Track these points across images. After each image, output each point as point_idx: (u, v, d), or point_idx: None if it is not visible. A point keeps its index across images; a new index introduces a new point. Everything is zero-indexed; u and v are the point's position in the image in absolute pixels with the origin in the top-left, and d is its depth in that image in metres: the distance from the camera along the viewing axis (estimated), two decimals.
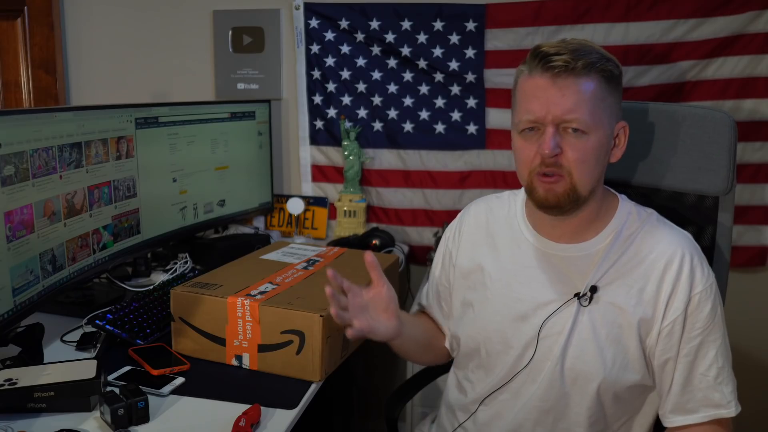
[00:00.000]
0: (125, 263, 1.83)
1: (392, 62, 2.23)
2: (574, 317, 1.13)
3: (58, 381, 1.15)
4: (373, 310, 1.18)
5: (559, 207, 1.10)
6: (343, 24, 2.22)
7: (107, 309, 1.53)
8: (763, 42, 1.99)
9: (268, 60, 2.32)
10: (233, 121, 2.12)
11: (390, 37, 2.20)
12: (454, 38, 2.16)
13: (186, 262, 1.92)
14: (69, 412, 1.15)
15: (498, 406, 1.22)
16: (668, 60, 2.05)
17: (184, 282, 1.49)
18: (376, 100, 2.26)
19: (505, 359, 1.20)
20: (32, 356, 1.31)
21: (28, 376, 1.16)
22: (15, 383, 1.14)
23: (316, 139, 2.35)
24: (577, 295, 1.14)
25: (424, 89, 2.23)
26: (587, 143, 1.08)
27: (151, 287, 1.73)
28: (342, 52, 2.25)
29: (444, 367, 1.44)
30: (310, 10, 2.24)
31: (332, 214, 2.34)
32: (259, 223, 2.38)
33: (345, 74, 2.27)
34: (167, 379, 1.27)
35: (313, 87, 2.31)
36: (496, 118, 2.19)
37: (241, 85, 2.36)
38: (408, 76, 2.23)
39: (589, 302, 1.13)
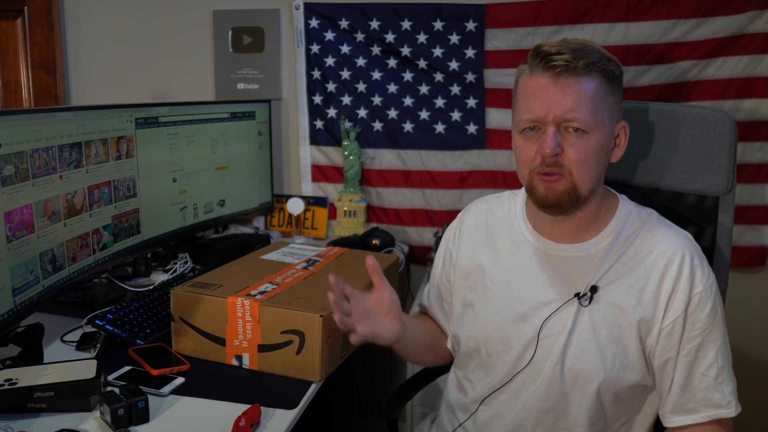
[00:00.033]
0: (125, 263, 1.83)
1: (392, 62, 2.23)
2: (574, 317, 1.13)
3: (58, 381, 1.15)
4: (375, 314, 1.18)
5: (560, 206, 1.10)
6: (343, 24, 2.22)
7: (107, 309, 1.53)
8: (763, 42, 1.99)
9: (268, 60, 2.32)
10: (233, 121, 2.12)
11: (390, 37, 2.20)
12: (454, 38, 2.16)
13: (186, 262, 1.92)
14: (69, 412, 1.15)
15: (498, 406, 1.22)
16: (668, 60, 2.05)
17: (184, 282, 1.49)
18: (376, 100, 2.26)
19: (505, 359, 1.20)
20: (32, 356, 1.31)
21: (28, 376, 1.16)
22: (15, 383, 1.14)
23: (316, 139, 2.35)
24: (577, 295, 1.14)
25: (424, 89, 2.23)
26: (588, 143, 1.08)
27: (151, 287, 1.73)
28: (342, 52, 2.25)
29: (444, 367, 1.44)
30: (310, 10, 2.24)
31: (332, 214, 2.34)
32: (259, 223, 2.38)
33: (345, 74, 2.27)
34: (167, 379, 1.27)
35: (313, 87, 2.31)
36: (496, 118, 2.19)
37: (241, 85, 2.36)
38: (408, 76, 2.23)
39: (589, 302, 1.13)
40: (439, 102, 2.23)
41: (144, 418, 1.13)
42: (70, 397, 1.15)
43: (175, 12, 2.37)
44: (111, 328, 1.43)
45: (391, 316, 1.19)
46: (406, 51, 2.20)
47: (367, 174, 2.32)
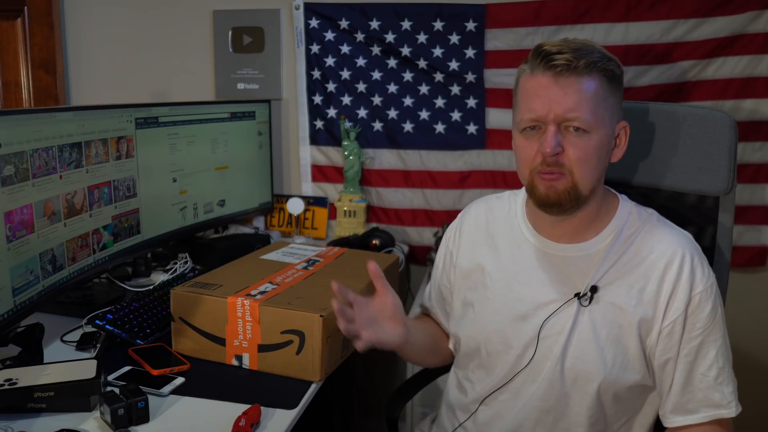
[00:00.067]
0: (125, 263, 1.82)
1: (392, 62, 2.23)
2: (575, 317, 1.13)
3: (58, 381, 1.15)
4: (379, 319, 1.17)
5: (560, 205, 1.10)
6: (343, 24, 2.22)
7: (107, 309, 1.53)
8: (763, 42, 1.99)
9: (268, 60, 2.32)
10: (233, 121, 2.12)
11: (390, 37, 2.20)
12: (454, 38, 2.16)
13: (186, 262, 1.92)
14: (69, 412, 1.14)
15: (498, 406, 1.22)
16: (668, 60, 2.05)
17: (184, 282, 1.49)
18: (376, 100, 2.26)
19: (505, 359, 1.20)
20: (32, 356, 1.31)
21: (28, 376, 1.16)
22: (15, 383, 1.14)
23: (316, 139, 2.35)
24: (577, 295, 1.14)
25: (424, 89, 2.23)
26: (588, 142, 1.08)
27: (151, 287, 1.73)
28: (342, 52, 2.25)
29: (444, 367, 1.44)
30: (310, 10, 2.24)
31: (332, 214, 2.34)
32: (259, 223, 2.38)
33: (345, 74, 2.27)
34: (167, 379, 1.27)
35: (313, 87, 2.31)
36: (496, 118, 2.19)
37: (241, 85, 2.36)
38: (408, 76, 2.23)
39: (590, 302, 1.13)
40: (439, 102, 2.23)
41: (144, 418, 1.13)
42: (70, 397, 1.15)
43: (175, 12, 2.37)
44: (111, 328, 1.43)
45: (395, 320, 1.18)
46: (406, 51, 2.20)
47: (367, 174, 2.32)
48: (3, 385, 1.13)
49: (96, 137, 1.59)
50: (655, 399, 1.18)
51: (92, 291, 1.73)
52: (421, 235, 2.30)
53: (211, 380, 1.29)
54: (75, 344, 1.43)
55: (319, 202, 2.34)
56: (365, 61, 2.25)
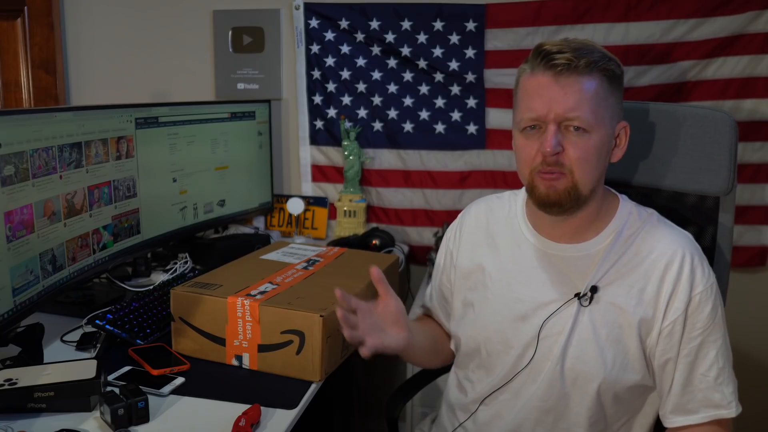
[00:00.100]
0: (125, 263, 1.82)
1: (392, 62, 2.23)
2: (575, 317, 1.13)
3: (58, 381, 1.15)
4: (382, 324, 1.17)
5: (560, 205, 1.10)
6: (343, 24, 2.22)
7: (107, 309, 1.53)
8: (763, 42, 1.99)
9: (268, 60, 2.32)
10: (233, 121, 2.12)
11: (390, 37, 2.20)
12: (454, 38, 2.16)
13: (186, 262, 1.92)
14: (69, 412, 1.14)
15: (498, 406, 1.22)
16: (668, 60, 2.05)
17: (184, 282, 1.49)
18: (376, 100, 2.26)
19: (505, 359, 1.20)
20: (32, 356, 1.31)
21: (28, 376, 1.16)
22: (15, 383, 1.14)
23: (316, 139, 2.35)
24: (577, 295, 1.14)
25: (424, 89, 2.23)
26: (589, 142, 1.07)
27: (151, 287, 1.73)
28: (342, 52, 2.25)
29: (444, 367, 1.44)
30: (310, 10, 2.24)
31: (332, 214, 2.34)
32: (259, 223, 2.38)
33: (345, 74, 2.27)
34: (167, 379, 1.27)
35: (313, 87, 2.31)
36: (496, 118, 2.19)
37: (241, 85, 2.36)
38: (408, 76, 2.23)
39: (590, 302, 1.13)
40: (439, 102, 2.23)
41: (144, 418, 1.13)
42: (70, 397, 1.15)
43: (175, 12, 2.37)
44: (111, 328, 1.42)
45: (398, 325, 1.18)
46: (406, 51, 2.20)
47: (367, 174, 2.32)
48: (3, 385, 1.13)
49: (96, 137, 1.59)
50: (655, 399, 1.18)
51: (92, 291, 1.73)
52: (421, 235, 2.30)
53: (211, 380, 1.29)
54: (75, 344, 1.43)
55: (319, 202, 2.34)
56: (365, 61, 2.25)
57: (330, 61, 2.27)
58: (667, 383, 1.13)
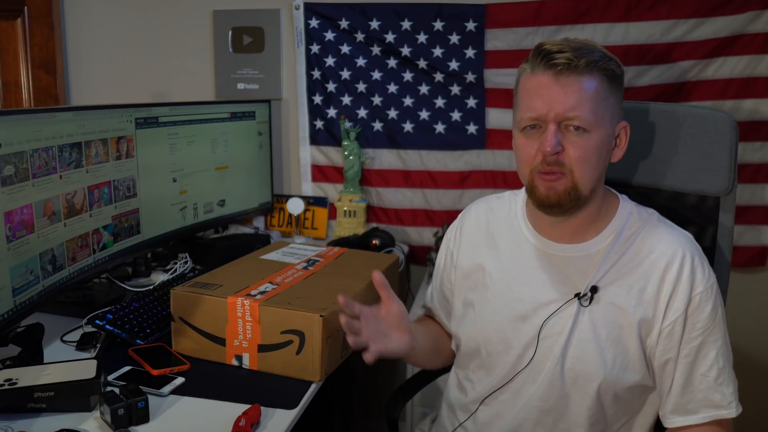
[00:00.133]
0: (125, 263, 1.82)
1: (392, 62, 2.23)
2: (575, 317, 1.13)
3: (58, 381, 1.15)
4: (385, 329, 1.18)
5: (560, 206, 1.10)
6: (343, 24, 2.22)
7: (107, 309, 1.53)
8: (763, 42, 1.99)
9: (268, 60, 2.32)
10: (233, 121, 2.12)
11: (390, 37, 2.20)
12: (454, 38, 2.16)
13: (186, 262, 1.92)
14: (69, 412, 1.14)
15: (498, 406, 1.22)
16: (668, 60, 2.05)
17: (184, 282, 1.49)
18: (376, 100, 2.26)
19: (505, 359, 1.20)
20: (32, 356, 1.31)
21: (28, 376, 1.16)
22: (15, 383, 1.14)
23: (316, 139, 2.35)
24: (577, 295, 1.14)
25: (424, 89, 2.23)
26: (589, 141, 1.07)
27: (151, 287, 1.72)
28: (342, 52, 2.25)
29: (444, 367, 1.44)
30: (310, 10, 2.24)
31: (332, 214, 2.34)
32: (259, 223, 2.38)
33: (345, 74, 2.27)
34: (167, 379, 1.27)
35: (313, 87, 2.31)
36: (496, 118, 2.19)
37: (241, 85, 2.36)
38: (408, 76, 2.23)
39: (590, 302, 1.13)
40: (439, 102, 2.23)
41: (144, 418, 1.13)
42: (70, 397, 1.15)
43: (175, 12, 2.37)
44: (111, 328, 1.42)
45: (401, 329, 1.19)
46: (406, 51, 2.20)
47: (367, 174, 2.32)
48: (3, 385, 1.13)
49: (96, 137, 1.59)
50: (655, 399, 1.18)
51: (92, 291, 1.73)
52: (421, 235, 2.30)
53: (211, 380, 1.29)
54: (75, 344, 1.43)
55: (319, 202, 2.34)
56: (365, 61, 2.25)
57: (330, 61, 2.27)
58: (667, 383, 1.13)
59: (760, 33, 1.99)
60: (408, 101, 2.24)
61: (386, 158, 2.30)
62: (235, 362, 1.34)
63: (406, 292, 2.18)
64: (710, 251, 1.30)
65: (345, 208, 2.29)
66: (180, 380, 1.27)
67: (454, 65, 2.18)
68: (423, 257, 2.28)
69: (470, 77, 2.17)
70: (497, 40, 2.14)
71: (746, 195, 2.08)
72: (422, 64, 2.20)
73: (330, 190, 2.36)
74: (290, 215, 2.33)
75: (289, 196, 2.33)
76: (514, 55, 2.13)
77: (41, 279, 1.41)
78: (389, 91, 2.25)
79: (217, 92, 2.38)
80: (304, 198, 2.32)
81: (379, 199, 2.33)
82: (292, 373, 1.30)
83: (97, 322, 1.44)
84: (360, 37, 2.23)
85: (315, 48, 2.27)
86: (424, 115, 2.24)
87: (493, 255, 1.25)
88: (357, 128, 2.28)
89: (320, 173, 2.37)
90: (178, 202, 1.94)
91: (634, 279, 1.12)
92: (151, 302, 1.56)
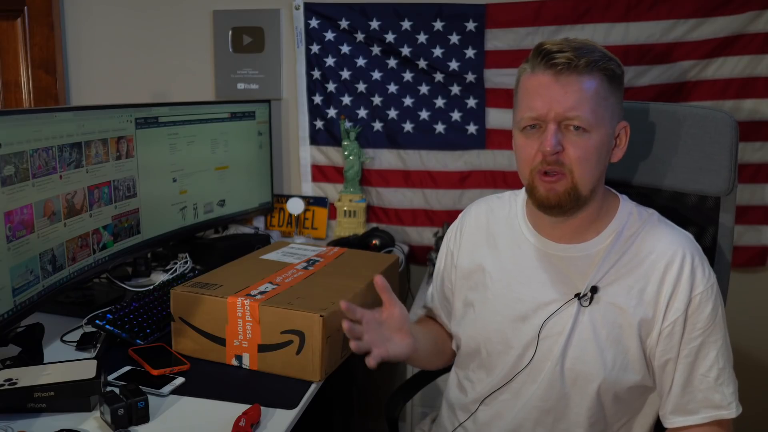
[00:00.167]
0: (125, 263, 1.82)
1: (392, 62, 2.23)
2: (575, 317, 1.13)
3: (58, 381, 1.15)
4: (388, 333, 1.17)
5: (560, 207, 1.10)
6: (343, 24, 2.22)
7: (107, 309, 1.53)
8: (763, 42, 1.99)
9: (268, 60, 2.32)
10: (233, 121, 2.12)
11: (390, 37, 2.20)
12: (454, 38, 2.16)
13: (186, 262, 1.92)
14: (69, 412, 1.14)
15: (498, 406, 1.22)
16: (668, 60, 2.05)
17: (184, 282, 1.49)
18: (376, 100, 2.26)
19: (505, 359, 1.20)
20: (32, 356, 1.31)
21: (28, 376, 1.16)
22: (15, 383, 1.14)
23: (316, 139, 2.35)
24: (577, 295, 1.14)
25: (424, 89, 2.23)
26: (589, 141, 1.07)
27: (151, 287, 1.73)
28: (342, 52, 2.25)
29: (444, 367, 1.44)
30: (310, 10, 2.24)
31: (332, 214, 2.34)
32: (259, 223, 2.38)
33: (345, 74, 2.27)
34: (167, 379, 1.27)
35: (313, 87, 2.31)
36: (496, 118, 2.19)
37: (241, 85, 2.36)
38: (408, 76, 2.23)
39: (590, 302, 1.13)
40: (439, 102, 2.23)
41: (144, 418, 1.13)
42: (70, 397, 1.15)
43: (175, 12, 2.37)
44: (111, 328, 1.42)
45: (403, 332, 1.19)
46: (406, 51, 2.20)
47: (367, 174, 2.32)
48: (3, 385, 1.13)
49: (96, 137, 1.59)
50: (656, 399, 1.18)
51: (92, 291, 1.73)
52: (421, 235, 2.30)
53: (211, 380, 1.29)
54: (75, 344, 1.43)
55: (319, 202, 2.34)
56: (365, 61, 2.25)
57: (330, 61, 2.27)
58: (667, 384, 1.13)
59: (760, 33, 1.99)
60: (408, 101, 2.24)
61: (386, 158, 2.30)
62: (235, 362, 1.34)
63: (406, 292, 2.18)
64: (710, 251, 1.30)
65: (345, 208, 2.29)
66: (180, 380, 1.27)
67: (454, 65, 2.18)
68: (423, 257, 2.28)
69: (470, 77, 2.17)
70: (497, 40, 2.14)
71: (746, 195, 2.08)
72: (422, 64, 2.20)
73: (330, 190, 2.36)
74: (290, 215, 2.33)
75: (289, 196, 2.33)
76: (514, 55, 2.13)
77: (41, 279, 1.40)
78: (389, 91, 2.25)
79: (217, 92, 2.38)
80: (304, 198, 2.32)
81: (379, 199, 2.33)
82: (292, 373, 1.30)
83: (97, 322, 1.44)
84: (360, 37, 2.23)
85: (315, 48, 2.27)
86: (424, 115, 2.24)
87: (493, 255, 1.25)
88: (357, 128, 2.28)
89: (320, 173, 2.37)
90: (178, 202, 1.94)
91: (634, 279, 1.12)
92: (151, 302, 1.56)
